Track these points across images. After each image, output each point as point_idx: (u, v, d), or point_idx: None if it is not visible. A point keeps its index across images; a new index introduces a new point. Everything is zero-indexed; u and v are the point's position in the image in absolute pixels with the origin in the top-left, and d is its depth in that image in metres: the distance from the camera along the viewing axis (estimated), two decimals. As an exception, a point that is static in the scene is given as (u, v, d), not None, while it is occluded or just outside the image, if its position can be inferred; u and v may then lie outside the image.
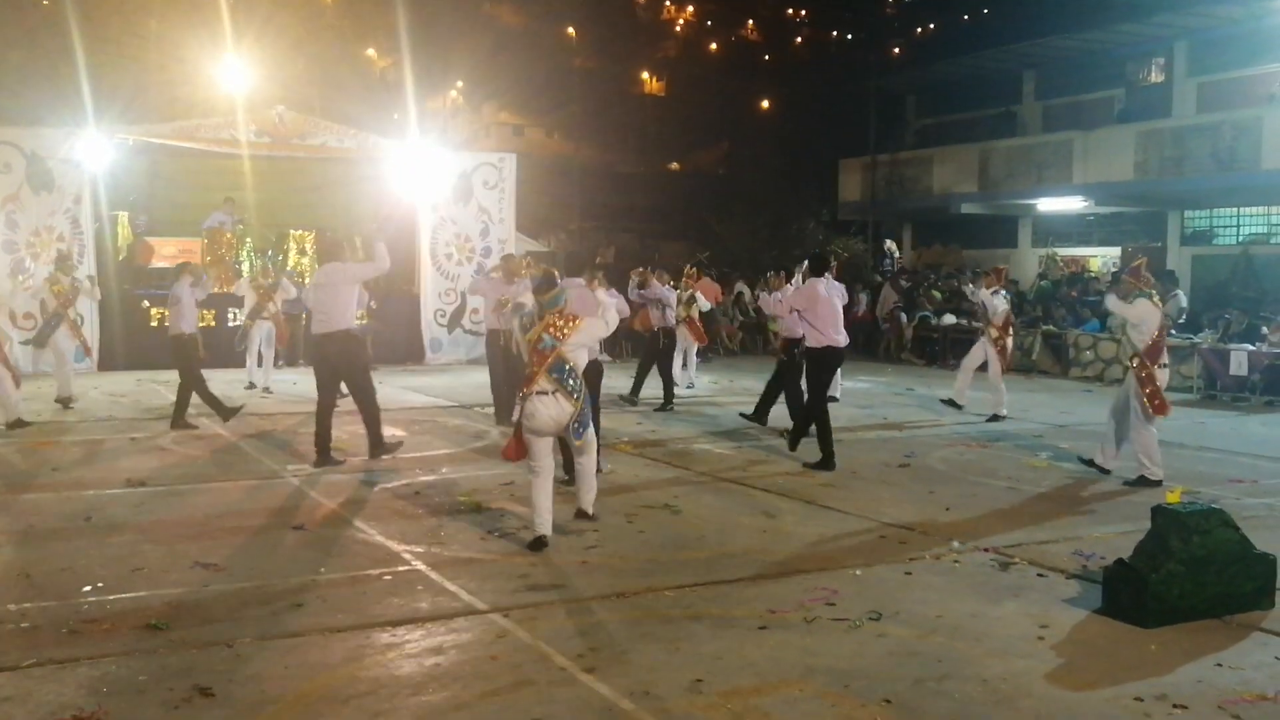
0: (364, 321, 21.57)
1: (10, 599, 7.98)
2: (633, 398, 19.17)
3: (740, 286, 33.00)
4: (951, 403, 18.52)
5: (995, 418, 17.90)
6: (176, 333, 16.14)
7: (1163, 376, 12.99)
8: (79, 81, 27.07)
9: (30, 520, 10.39)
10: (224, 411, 16.15)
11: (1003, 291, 18.89)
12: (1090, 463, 13.46)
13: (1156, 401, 12.76)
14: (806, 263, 14.89)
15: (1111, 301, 13.56)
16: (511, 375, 16.71)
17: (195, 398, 16.16)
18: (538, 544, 9.47)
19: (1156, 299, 13.32)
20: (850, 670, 6.83)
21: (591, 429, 9.96)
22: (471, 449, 14.73)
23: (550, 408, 9.41)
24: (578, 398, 9.55)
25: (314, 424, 13.55)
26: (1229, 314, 23.70)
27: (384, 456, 13.57)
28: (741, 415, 17.31)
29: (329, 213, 26.96)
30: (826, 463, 13.68)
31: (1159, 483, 12.55)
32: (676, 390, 19.82)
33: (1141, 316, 12.87)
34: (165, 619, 7.54)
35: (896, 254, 40.53)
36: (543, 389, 9.41)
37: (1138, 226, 34.37)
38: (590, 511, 10.05)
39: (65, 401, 17.72)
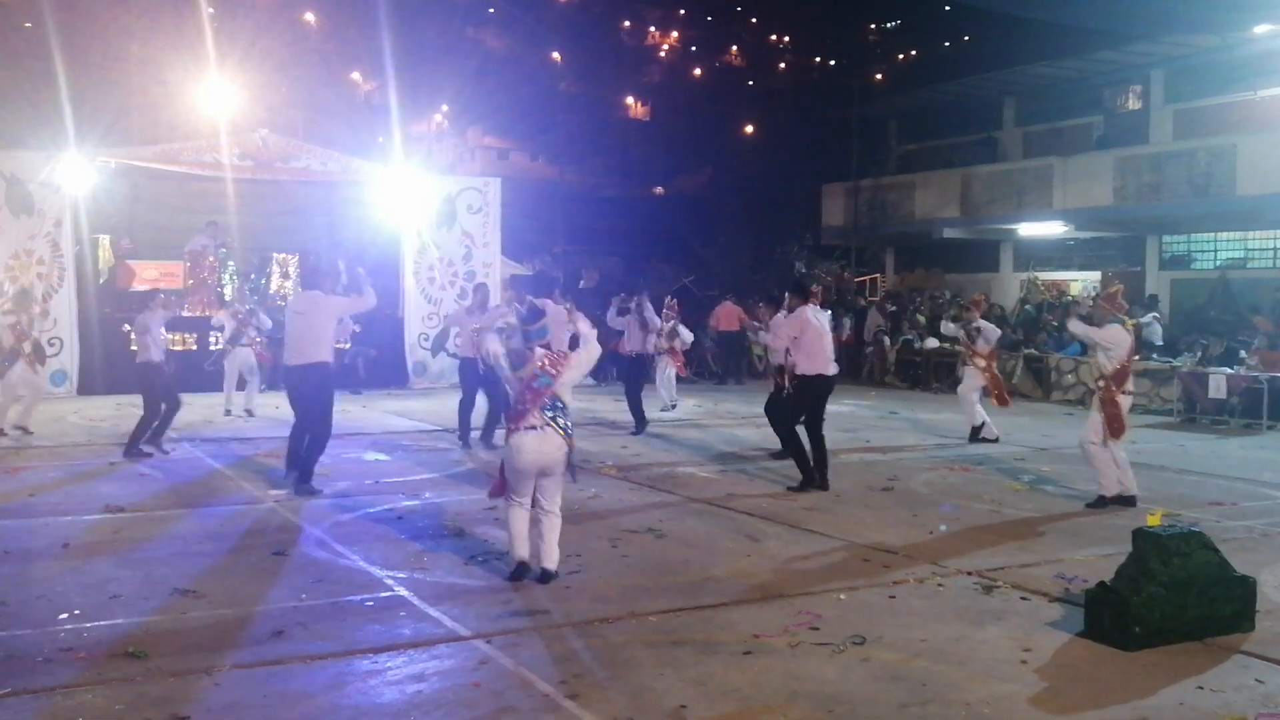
0: (347, 347, 21.54)
1: (-15, 626, 7.91)
2: (637, 426, 18.99)
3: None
4: (981, 437, 18.30)
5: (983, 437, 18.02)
6: (145, 360, 16.05)
7: (1125, 403, 13.02)
8: (60, 104, 27.07)
9: (5, 546, 10.28)
10: (132, 450, 15.61)
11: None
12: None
13: (1115, 425, 12.82)
14: (789, 292, 14.91)
15: (1074, 325, 13.52)
16: (494, 401, 16.77)
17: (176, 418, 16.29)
18: (520, 571, 9.41)
19: (1130, 325, 13.37)
20: (834, 695, 6.81)
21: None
22: (454, 473, 14.68)
23: (538, 443, 9.25)
24: (569, 434, 9.44)
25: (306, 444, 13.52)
26: (1205, 339, 23.80)
27: (305, 493, 12.99)
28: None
29: (312, 236, 26.93)
30: (808, 483, 13.87)
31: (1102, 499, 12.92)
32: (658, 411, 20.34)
33: (1112, 340, 12.88)
34: (143, 647, 7.46)
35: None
36: (532, 425, 9.27)
37: (1117, 251, 34.52)
38: (555, 570, 9.41)
39: (23, 429, 17.45)
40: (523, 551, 9.49)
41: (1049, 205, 32.63)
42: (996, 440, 18.03)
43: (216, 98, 34.68)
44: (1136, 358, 14.42)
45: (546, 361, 9.45)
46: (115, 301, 24.48)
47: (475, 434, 17.18)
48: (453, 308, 23.80)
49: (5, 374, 17.44)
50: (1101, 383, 12.99)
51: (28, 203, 22.55)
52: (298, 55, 44.24)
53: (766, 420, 16.20)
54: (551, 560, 9.39)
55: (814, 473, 14.00)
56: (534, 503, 9.62)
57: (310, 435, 13.38)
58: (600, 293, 26.73)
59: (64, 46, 31.85)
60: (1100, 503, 12.93)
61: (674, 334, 21.26)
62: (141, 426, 15.79)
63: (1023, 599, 8.97)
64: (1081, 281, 35.05)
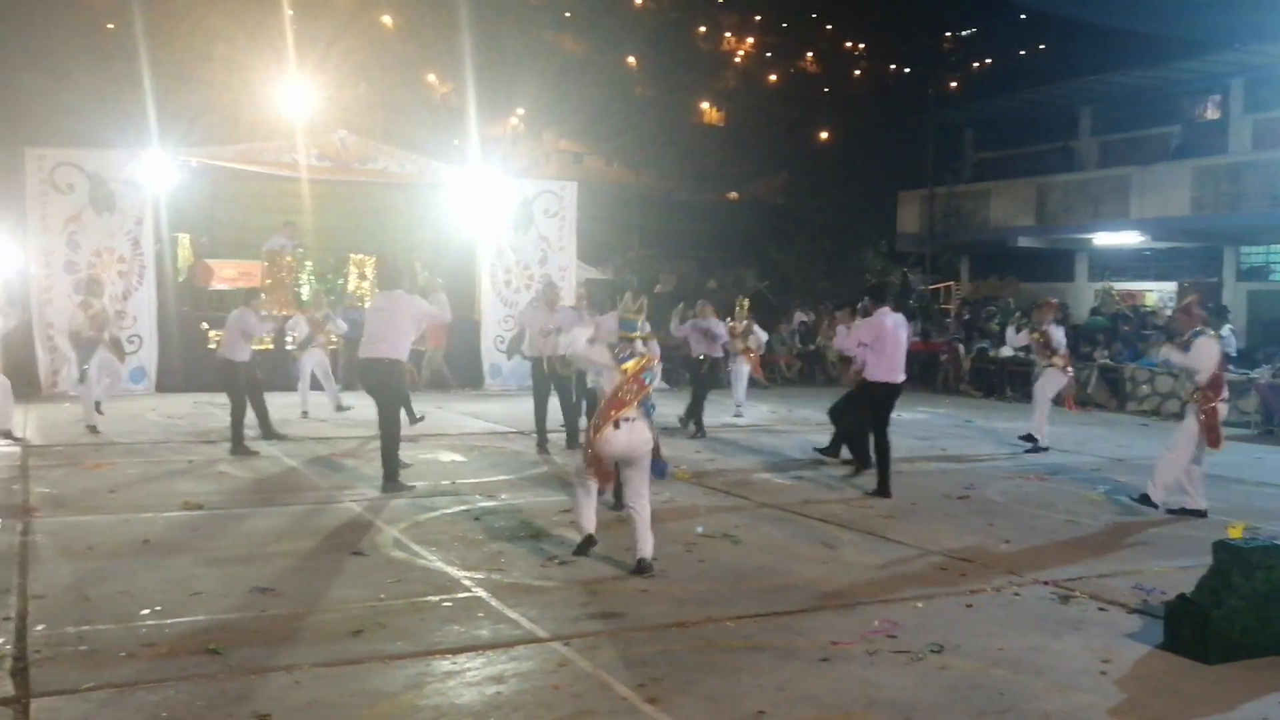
0: (423, 349, 21.74)
1: (69, 621, 7.98)
2: (695, 428, 19.05)
3: (800, 315, 33.01)
4: (1031, 439, 18.23)
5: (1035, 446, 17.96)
6: (227, 358, 16.19)
7: (1223, 410, 12.94)
8: (144, 103, 27.27)
9: (88, 542, 10.40)
10: (239, 447, 15.81)
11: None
12: (1181, 510, 13.10)
13: (1213, 435, 12.73)
14: (867, 296, 14.92)
15: (1171, 354, 13.38)
16: (566, 401, 16.81)
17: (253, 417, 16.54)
18: (586, 543, 9.98)
19: (1213, 333, 13.28)
20: (912, 703, 6.79)
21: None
22: (530, 475, 14.74)
23: (629, 434, 9.60)
24: (653, 426, 9.78)
25: (379, 445, 13.63)
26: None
27: (394, 494, 13.06)
28: (816, 450, 17.02)
29: (389, 237, 27.01)
30: (883, 490, 13.82)
31: (1155, 507, 12.99)
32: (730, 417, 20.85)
33: (1201, 360, 12.78)
34: (223, 644, 7.53)
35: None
36: (629, 416, 9.60)
37: (1194, 262, 34.27)
38: (649, 557, 9.66)
39: (92, 428, 17.49)
40: (589, 525, 10.03)
41: (1125, 215, 32.49)
42: (1046, 450, 17.88)
43: (295, 98, 34.85)
44: (1229, 367, 14.33)
45: (650, 361, 9.87)
46: (194, 300, 24.71)
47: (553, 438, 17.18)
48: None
49: (87, 367, 17.66)
50: (1197, 394, 12.88)
51: (110, 201, 22.78)
52: (376, 56, 44.42)
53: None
54: (645, 549, 9.63)
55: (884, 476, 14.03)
56: (619, 497, 10.28)
57: (381, 433, 13.52)
58: (677, 297, 26.69)
59: (149, 46, 32.14)
60: (1145, 501, 13.13)
61: (749, 332, 21.19)
62: (236, 423, 15.99)
63: (1100, 610, 8.91)
64: (1157, 292, 34.83)
